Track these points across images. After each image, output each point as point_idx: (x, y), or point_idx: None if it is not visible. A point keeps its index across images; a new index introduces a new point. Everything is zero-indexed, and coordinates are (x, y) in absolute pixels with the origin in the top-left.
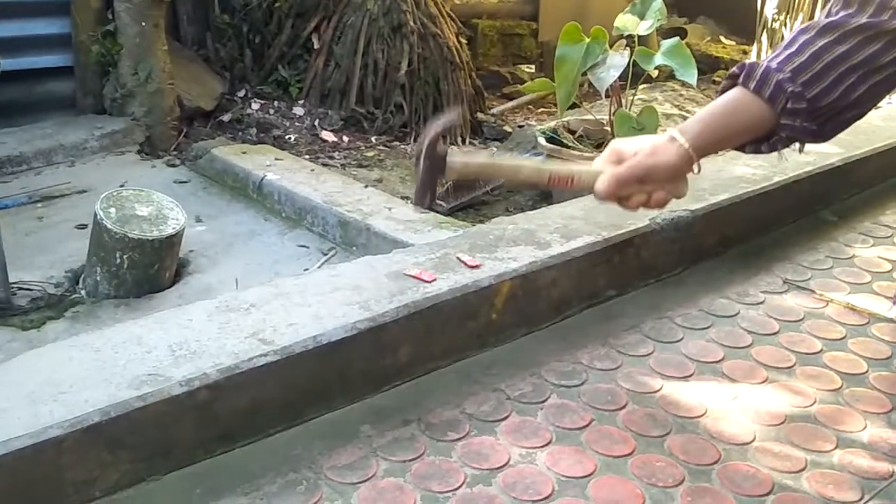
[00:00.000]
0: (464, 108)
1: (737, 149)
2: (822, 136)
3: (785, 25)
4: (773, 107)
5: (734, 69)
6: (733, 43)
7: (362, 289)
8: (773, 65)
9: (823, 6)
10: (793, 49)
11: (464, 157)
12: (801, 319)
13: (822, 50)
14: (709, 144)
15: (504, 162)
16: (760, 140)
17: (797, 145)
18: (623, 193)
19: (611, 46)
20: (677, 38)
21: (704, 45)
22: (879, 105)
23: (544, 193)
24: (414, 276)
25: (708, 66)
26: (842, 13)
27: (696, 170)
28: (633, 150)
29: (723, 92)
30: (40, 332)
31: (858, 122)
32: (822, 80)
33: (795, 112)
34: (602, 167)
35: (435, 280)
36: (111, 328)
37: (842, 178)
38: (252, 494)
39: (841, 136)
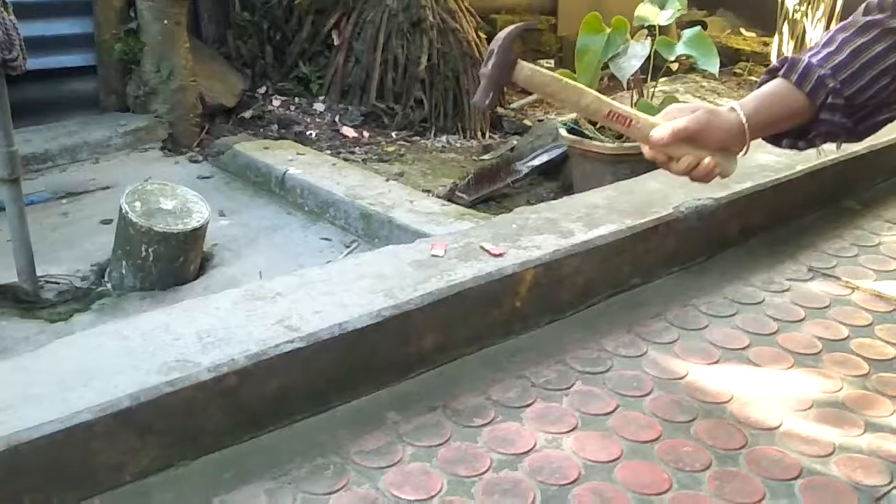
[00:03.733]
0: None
1: (774, 143)
2: (857, 134)
3: (806, 17)
4: (813, 101)
5: (775, 63)
6: (754, 35)
7: (386, 277)
8: (815, 60)
9: None
10: (832, 48)
11: (533, 66)
12: (827, 306)
13: (860, 49)
14: (759, 126)
15: (569, 82)
16: (798, 136)
17: (834, 144)
18: (675, 152)
19: (632, 37)
20: (699, 28)
21: (725, 38)
22: None
23: (566, 184)
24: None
25: (728, 58)
26: (879, 16)
27: (744, 150)
28: (693, 108)
29: (761, 84)
30: (67, 325)
31: None
32: (859, 79)
33: (834, 107)
34: (659, 120)
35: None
36: (139, 316)
37: (866, 166)
38: (280, 479)
39: None
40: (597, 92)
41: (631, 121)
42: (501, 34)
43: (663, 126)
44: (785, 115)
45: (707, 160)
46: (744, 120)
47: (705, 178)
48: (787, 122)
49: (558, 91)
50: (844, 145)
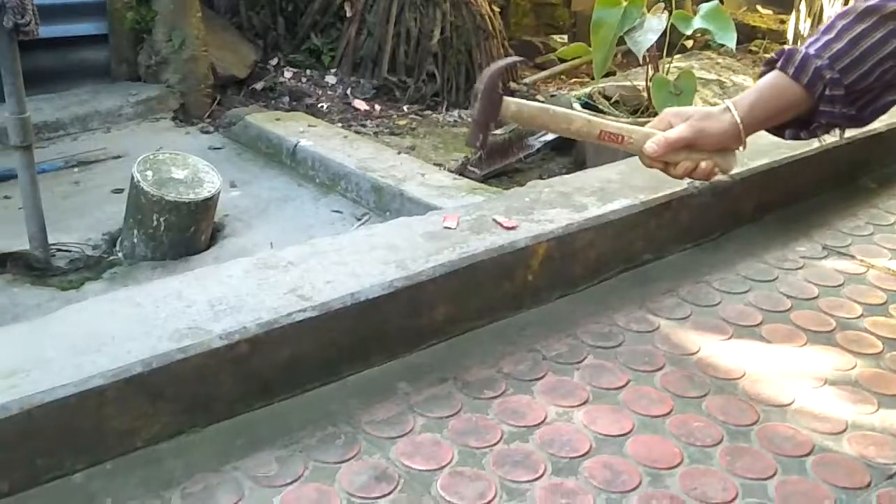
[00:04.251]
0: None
1: (776, 134)
2: (862, 120)
3: None
4: (811, 93)
5: (772, 55)
6: (770, 12)
7: (398, 248)
8: (812, 51)
9: None
10: (831, 35)
11: (518, 101)
12: (841, 285)
13: (860, 36)
14: (756, 122)
15: (557, 110)
16: (800, 126)
17: (838, 131)
18: (671, 159)
19: (648, 10)
20: (716, 2)
21: (741, 15)
22: None
23: (579, 160)
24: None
25: (745, 35)
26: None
27: (742, 147)
28: (686, 116)
29: (760, 76)
30: (79, 293)
31: None
32: (859, 66)
33: (833, 99)
34: (652, 130)
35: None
36: (151, 283)
37: (882, 144)
38: (291, 447)
39: None
40: (587, 113)
41: (623, 137)
42: (485, 74)
43: (657, 138)
44: (783, 109)
45: (704, 163)
46: (738, 120)
47: (705, 179)
48: (785, 114)
49: (548, 121)
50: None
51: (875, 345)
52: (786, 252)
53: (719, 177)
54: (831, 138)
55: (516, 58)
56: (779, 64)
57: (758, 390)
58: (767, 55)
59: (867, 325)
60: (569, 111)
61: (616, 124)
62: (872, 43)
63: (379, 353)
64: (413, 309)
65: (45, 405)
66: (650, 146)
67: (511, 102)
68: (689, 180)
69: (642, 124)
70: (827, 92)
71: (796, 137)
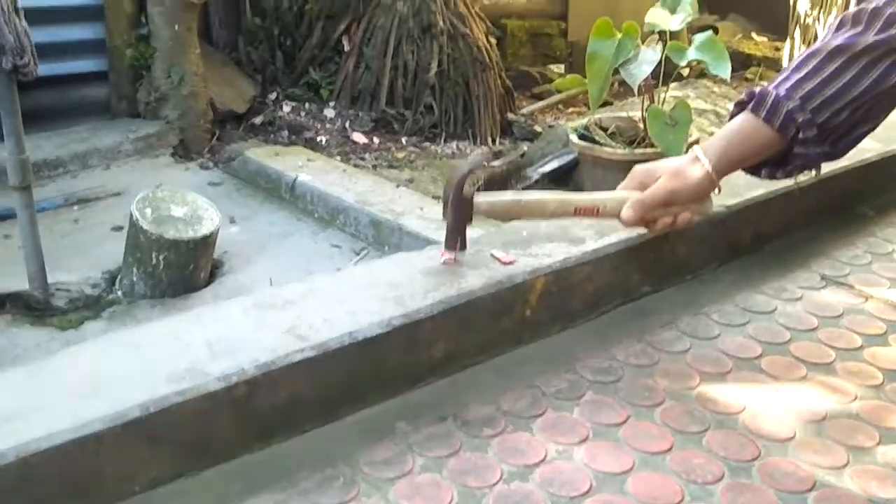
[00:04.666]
0: (493, 108)
1: (752, 174)
2: (837, 154)
3: (818, 21)
4: (784, 136)
5: (742, 96)
6: (765, 40)
7: (396, 285)
8: (782, 92)
9: (858, 2)
10: (801, 74)
11: (490, 199)
12: (840, 315)
13: (831, 76)
14: (728, 166)
15: (530, 199)
16: (775, 167)
17: (813, 170)
18: (649, 217)
19: (642, 42)
20: (710, 32)
21: (736, 43)
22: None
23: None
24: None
25: (740, 63)
26: (849, 33)
27: (717, 191)
28: (657, 174)
29: (731, 118)
30: (78, 332)
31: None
32: (831, 105)
33: (807, 141)
34: (626, 194)
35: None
36: (149, 325)
37: (880, 172)
38: (289, 490)
39: (878, 131)
40: (558, 194)
41: (598, 209)
42: (451, 180)
43: (633, 203)
44: (755, 151)
45: (683, 215)
46: (709, 168)
47: (685, 227)
48: (757, 156)
49: (522, 211)
50: (860, 153)
51: (875, 376)
52: (784, 283)
53: (724, 193)
54: (806, 177)
55: (478, 159)
56: (750, 106)
57: (758, 425)
58: (764, 83)
59: (867, 356)
60: (542, 195)
61: (589, 197)
62: (844, 83)
63: (377, 392)
64: (411, 346)
65: (42, 452)
66: (626, 213)
67: (482, 203)
68: None
69: (639, 157)
70: (800, 135)
71: (772, 177)
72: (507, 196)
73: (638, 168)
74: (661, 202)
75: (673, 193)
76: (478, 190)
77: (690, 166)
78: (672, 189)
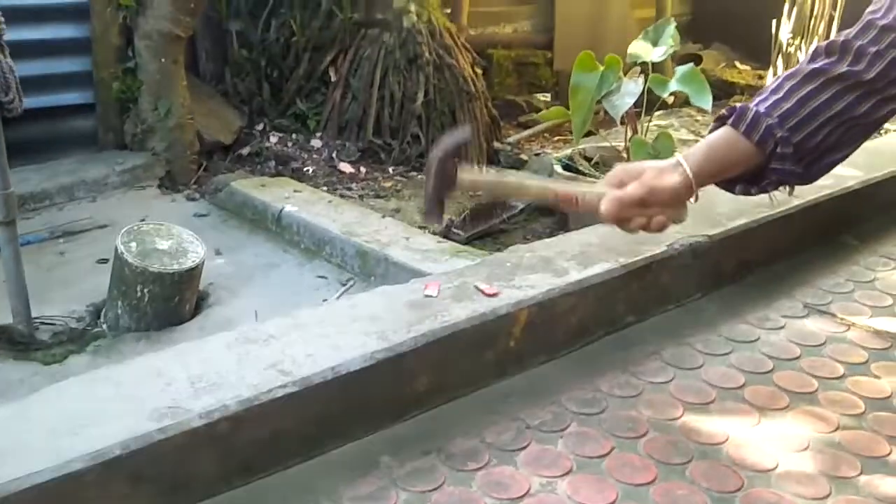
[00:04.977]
0: (480, 137)
1: (727, 189)
2: (809, 178)
3: (800, 50)
4: (762, 150)
5: (723, 111)
6: (748, 68)
7: (380, 318)
8: (762, 109)
9: (839, 30)
10: (779, 95)
11: (472, 175)
12: (822, 344)
13: (806, 97)
14: (707, 176)
15: (511, 180)
16: (750, 182)
17: (787, 189)
18: (625, 215)
19: (625, 74)
20: (691, 65)
21: (720, 71)
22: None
23: (562, 222)
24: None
25: (723, 91)
26: (825, 61)
27: (694, 199)
28: (637, 172)
29: (711, 131)
30: (63, 366)
31: (878, 144)
32: (807, 126)
33: (784, 156)
34: (606, 189)
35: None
36: (131, 362)
37: (862, 200)
38: None
39: (860, 158)
40: (540, 180)
41: (577, 199)
42: (436, 150)
43: (609, 198)
44: (733, 163)
45: (658, 217)
46: (690, 175)
47: (658, 231)
48: (735, 169)
49: (502, 189)
50: (842, 181)
51: (857, 405)
52: (767, 312)
53: (707, 222)
54: (781, 195)
55: (465, 133)
56: (730, 121)
57: (742, 455)
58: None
59: (849, 384)
60: (523, 179)
61: (569, 187)
62: (819, 104)
63: (361, 426)
64: (395, 380)
65: (22, 491)
66: (603, 207)
67: (464, 178)
68: (667, 240)
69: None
70: (778, 150)
71: (746, 193)
72: (489, 175)
73: (619, 167)
74: (638, 201)
75: (651, 193)
76: (464, 220)
77: (671, 170)
78: (651, 188)
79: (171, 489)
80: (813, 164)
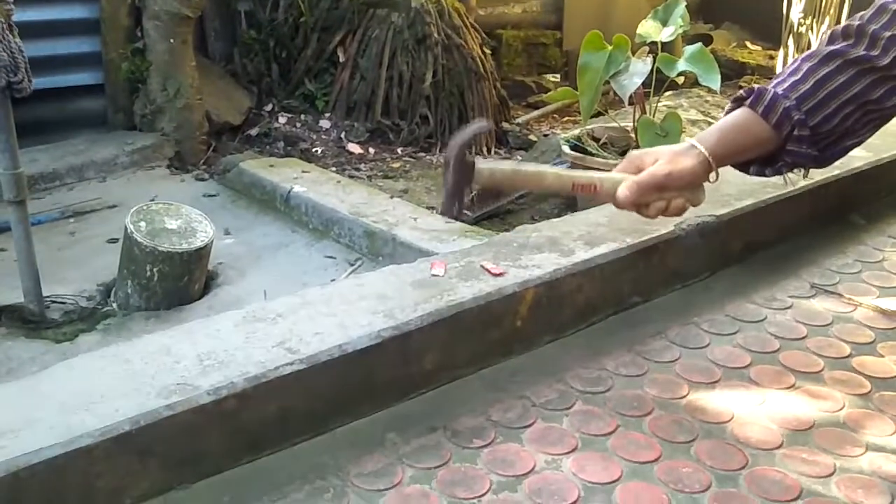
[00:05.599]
0: (489, 117)
1: (741, 170)
2: (823, 161)
3: (811, 30)
4: (779, 132)
5: (741, 92)
6: (759, 48)
7: (387, 297)
8: (780, 91)
9: (850, 10)
10: (797, 77)
11: (490, 166)
12: (829, 324)
13: (824, 78)
14: (723, 156)
15: (529, 170)
16: (765, 163)
17: (801, 171)
18: (643, 201)
19: (634, 54)
20: (700, 44)
21: (730, 51)
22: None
23: (569, 202)
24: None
25: (734, 71)
26: (842, 44)
27: (713, 178)
28: (653, 157)
29: (728, 112)
30: (73, 345)
31: (887, 125)
32: (824, 109)
33: (801, 139)
34: (622, 175)
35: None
36: (140, 339)
37: (870, 181)
38: (279, 502)
39: (870, 139)
40: (557, 169)
41: (595, 186)
42: (452, 147)
43: (628, 184)
44: (750, 145)
45: (676, 201)
46: (707, 155)
47: (677, 214)
48: (751, 151)
49: (520, 180)
50: (851, 162)
51: (863, 385)
52: (774, 291)
53: (715, 202)
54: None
55: (481, 125)
56: (748, 102)
57: (746, 434)
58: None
59: (855, 364)
60: (540, 168)
61: (587, 174)
62: (836, 87)
63: (367, 404)
64: (401, 358)
65: (32, 466)
66: (622, 192)
67: (484, 169)
68: (675, 220)
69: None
70: (795, 132)
71: (761, 174)
72: (507, 165)
73: (634, 152)
74: (657, 185)
75: (669, 177)
76: (472, 201)
77: (687, 152)
78: (669, 171)
79: (179, 465)
80: (828, 147)
